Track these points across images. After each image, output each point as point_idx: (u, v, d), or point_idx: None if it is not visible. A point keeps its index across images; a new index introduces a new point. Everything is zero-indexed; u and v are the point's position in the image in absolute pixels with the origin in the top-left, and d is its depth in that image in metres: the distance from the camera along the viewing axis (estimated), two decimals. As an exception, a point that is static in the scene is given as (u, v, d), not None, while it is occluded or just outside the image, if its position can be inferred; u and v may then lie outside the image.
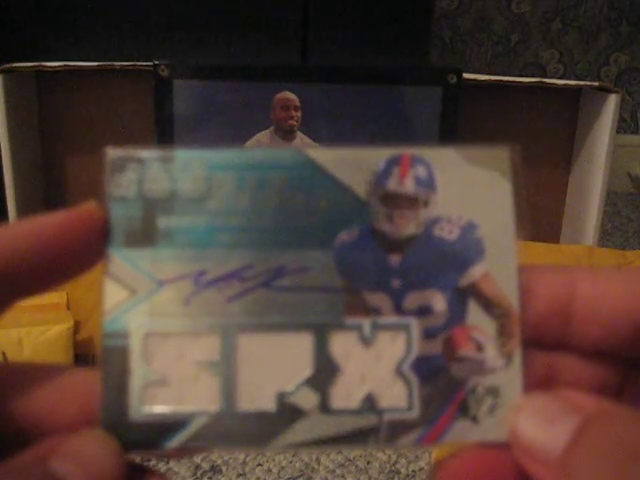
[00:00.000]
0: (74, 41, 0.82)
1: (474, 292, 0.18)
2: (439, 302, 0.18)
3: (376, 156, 0.18)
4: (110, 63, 0.63)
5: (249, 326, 0.18)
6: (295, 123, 0.65)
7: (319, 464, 0.56)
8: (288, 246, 0.18)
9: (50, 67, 0.63)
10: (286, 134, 0.65)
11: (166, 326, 0.18)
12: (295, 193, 0.18)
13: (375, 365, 0.18)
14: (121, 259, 0.18)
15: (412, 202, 0.18)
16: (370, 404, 0.18)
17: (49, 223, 0.17)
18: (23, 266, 0.17)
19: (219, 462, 0.56)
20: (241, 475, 0.55)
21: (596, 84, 0.66)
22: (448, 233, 0.18)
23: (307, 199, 0.18)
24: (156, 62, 0.62)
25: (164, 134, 0.64)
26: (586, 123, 0.69)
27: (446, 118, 0.65)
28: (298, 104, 0.64)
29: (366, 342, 0.18)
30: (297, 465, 0.56)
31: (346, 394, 0.18)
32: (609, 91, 0.64)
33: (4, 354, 0.53)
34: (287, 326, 0.18)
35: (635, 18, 1.40)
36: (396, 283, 0.18)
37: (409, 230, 0.18)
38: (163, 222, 0.18)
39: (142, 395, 0.17)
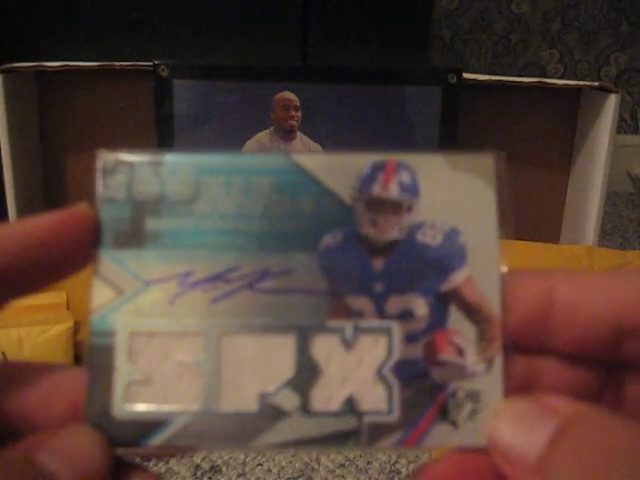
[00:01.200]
0: (74, 41, 0.82)
1: (456, 297, 0.18)
2: (421, 306, 0.18)
3: (361, 161, 0.19)
4: (110, 63, 0.63)
5: (233, 327, 0.18)
6: (295, 123, 0.65)
7: (319, 464, 0.56)
8: (273, 249, 0.18)
9: (50, 67, 0.63)
10: (286, 134, 0.65)
11: (151, 326, 0.18)
12: (281, 197, 0.18)
13: (356, 368, 0.18)
14: (109, 259, 0.18)
15: (396, 207, 0.18)
16: (350, 407, 0.18)
17: (41, 224, 0.17)
18: (15, 266, 0.17)
19: (219, 462, 0.56)
20: (241, 475, 0.55)
21: (596, 84, 0.66)
22: (431, 238, 0.18)
23: (293, 203, 0.18)
24: (156, 62, 0.62)
25: (164, 134, 0.64)
26: (586, 123, 0.69)
27: (446, 118, 0.65)
28: (298, 104, 0.64)
29: (348, 345, 0.18)
30: (297, 465, 0.56)
31: (327, 396, 0.18)
32: (609, 91, 0.64)
33: (4, 354, 0.53)
34: (270, 328, 0.18)
35: (635, 18, 1.40)
36: (379, 287, 0.18)
37: (392, 235, 0.18)
38: (151, 224, 0.18)
39: (126, 393, 0.17)
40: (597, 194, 0.66)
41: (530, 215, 0.73)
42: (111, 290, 0.18)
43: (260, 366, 0.18)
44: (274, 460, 0.56)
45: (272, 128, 0.65)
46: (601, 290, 0.18)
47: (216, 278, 0.18)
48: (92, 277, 0.18)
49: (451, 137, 0.65)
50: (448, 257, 0.18)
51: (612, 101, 0.64)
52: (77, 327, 0.56)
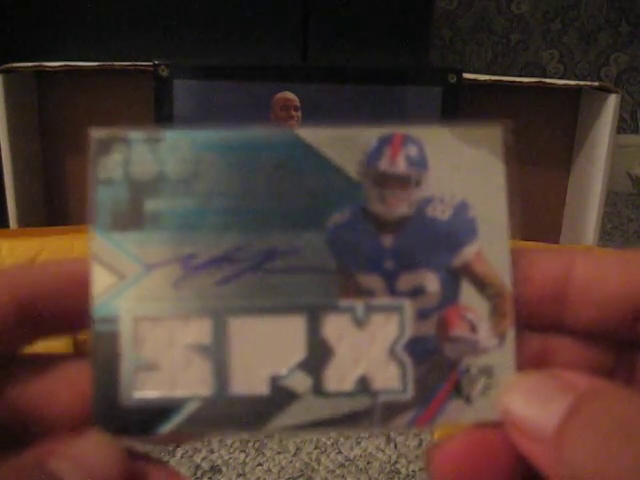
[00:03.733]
0: (74, 41, 0.82)
1: (467, 272, 0.18)
2: (432, 283, 0.18)
3: (367, 135, 0.18)
4: (110, 63, 0.63)
5: (240, 309, 0.17)
6: (295, 123, 0.65)
7: (319, 464, 0.56)
8: (279, 227, 0.18)
9: (50, 67, 0.63)
10: (286, 134, 0.65)
11: (156, 310, 0.17)
12: (285, 173, 0.18)
13: (369, 347, 0.18)
14: (108, 243, 0.17)
15: (404, 182, 0.18)
16: (364, 386, 0.17)
17: (76, 269, 0.17)
18: (47, 307, 0.17)
19: (219, 462, 0.56)
20: (241, 475, 0.55)
21: (596, 84, 0.66)
22: (441, 213, 0.18)
23: (297, 179, 0.18)
24: (156, 62, 0.62)
25: (164, 134, 0.64)
26: (586, 123, 0.69)
27: (446, 118, 0.65)
28: (298, 104, 0.64)
29: (359, 324, 0.18)
30: (297, 465, 0.56)
31: (340, 376, 0.17)
32: (609, 91, 0.64)
33: (4, 354, 0.53)
34: (279, 308, 0.18)
35: (635, 18, 1.40)
36: (389, 264, 0.18)
37: (401, 210, 0.18)
38: (151, 204, 0.18)
39: (133, 381, 0.17)
40: (597, 194, 0.66)
41: (530, 215, 0.73)
42: (112, 275, 0.17)
43: (270, 348, 0.17)
44: (274, 460, 0.56)
45: (272, 128, 0.65)
46: (618, 270, 0.17)
47: (221, 259, 0.18)
48: (91, 262, 0.17)
49: (451, 137, 0.65)
50: (458, 231, 0.18)
51: (612, 101, 0.64)
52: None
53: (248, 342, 0.17)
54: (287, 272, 0.18)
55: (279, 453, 0.56)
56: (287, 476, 0.55)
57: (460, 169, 0.18)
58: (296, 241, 0.18)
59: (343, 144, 0.18)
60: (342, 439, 0.58)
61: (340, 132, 0.18)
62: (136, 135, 0.18)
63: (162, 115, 0.63)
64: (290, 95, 0.64)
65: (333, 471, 0.55)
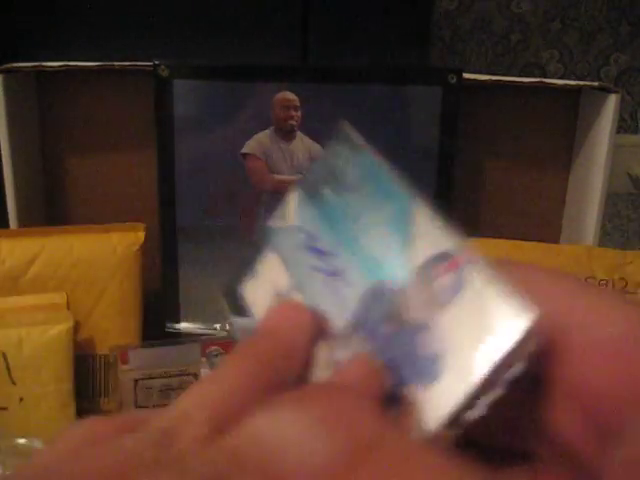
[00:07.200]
0: (74, 41, 0.82)
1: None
2: None
3: None
4: (110, 63, 0.63)
5: None
6: (295, 123, 0.65)
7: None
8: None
9: (50, 67, 0.63)
10: (286, 134, 0.65)
11: None
12: None
13: None
14: None
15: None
16: None
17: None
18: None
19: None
20: (241, 475, 0.55)
21: (596, 84, 0.66)
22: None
23: None
24: (156, 62, 0.62)
25: (164, 134, 0.64)
26: (586, 123, 0.69)
27: (446, 118, 0.65)
28: (298, 104, 0.64)
29: None
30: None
31: None
32: (609, 91, 0.64)
33: (4, 354, 0.53)
34: None
35: (635, 18, 1.40)
36: None
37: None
38: None
39: None
40: (597, 194, 0.66)
41: (530, 215, 0.73)
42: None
43: None
44: (274, 460, 0.56)
45: (272, 128, 0.65)
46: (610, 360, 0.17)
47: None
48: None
49: (451, 137, 0.65)
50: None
51: (612, 101, 0.64)
52: (77, 327, 0.56)
53: None
54: None
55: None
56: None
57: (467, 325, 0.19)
58: None
59: None
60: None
61: None
62: None
63: (162, 115, 0.63)
64: (290, 95, 0.64)
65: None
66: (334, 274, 0.21)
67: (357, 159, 0.23)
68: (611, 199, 1.30)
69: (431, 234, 0.20)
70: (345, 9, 0.87)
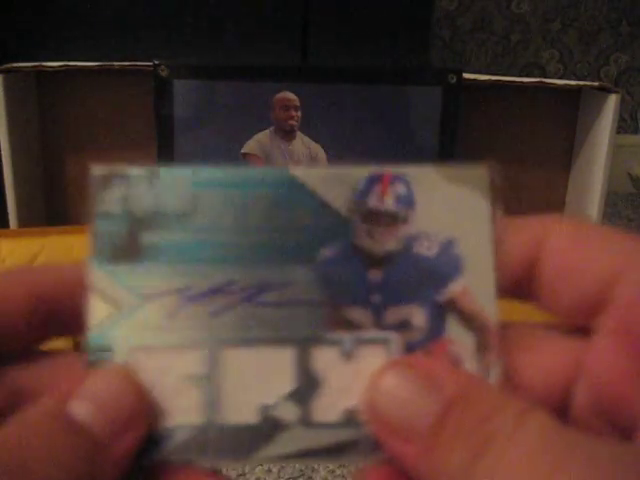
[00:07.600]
0: (74, 41, 0.82)
1: (453, 307, 0.18)
2: (418, 317, 0.18)
3: (357, 174, 0.19)
4: (110, 63, 0.63)
5: (233, 340, 0.18)
6: (295, 123, 0.65)
7: (319, 464, 0.56)
8: (272, 262, 0.18)
9: (50, 67, 0.63)
10: (286, 134, 0.65)
11: (151, 340, 0.18)
12: (279, 210, 0.19)
13: (356, 379, 0.18)
14: (106, 275, 0.18)
15: (392, 219, 0.19)
16: (350, 418, 0.18)
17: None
18: (59, 307, 0.18)
19: (219, 462, 0.56)
20: (241, 475, 0.55)
21: (596, 84, 0.66)
22: (427, 249, 0.19)
23: (290, 216, 0.19)
24: (156, 62, 0.62)
25: (164, 134, 0.64)
26: (586, 123, 0.69)
27: (446, 118, 0.65)
28: (298, 104, 0.64)
29: (347, 356, 0.18)
30: (297, 465, 0.56)
31: (327, 408, 0.18)
32: (609, 91, 0.64)
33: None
34: (270, 340, 0.18)
35: (635, 18, 1.40)
36: (377, 298, 0.18)
37: (389, 246, 0.19)
38: (148, 238, 0.18)
39: None
40: (597, 194, 0.66)
41: (530, 215, 0.73)
42: (108, 306, 0.18)
43: (261, 379, 0.18)
44: (274, 460, 0.56)
45: (272, 128, 0.65)
46: (593, 251, 0.18)
47: (215, 292, 0.18)
48: (89, 293, 0.18)
49: (451, 137, 0.65)
50: (444, 268, 0.19)
51: (612, 101, 0.64)
52: (77, 327, 0.56)
53: (239, 372, 0.18)
54: (278, 305, 0.18)
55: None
56: (287, 476, 0.55)
57: (447, 208, 0.19)
58: (287, 275, 0.18)
59: (334, 182, 0.19)
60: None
61: (332, 171, 0.19)
62: (135, 171, 0.19)
63: (162, 115, 0.63)
64: (290, 95, 0.64)
65: (333, 471, 0.56)
66: (255, 295, 0.18)
67: (169, 186, 0.19)
68: (611, 199, 1.30)
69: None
70: (345, 9, 0.87)
